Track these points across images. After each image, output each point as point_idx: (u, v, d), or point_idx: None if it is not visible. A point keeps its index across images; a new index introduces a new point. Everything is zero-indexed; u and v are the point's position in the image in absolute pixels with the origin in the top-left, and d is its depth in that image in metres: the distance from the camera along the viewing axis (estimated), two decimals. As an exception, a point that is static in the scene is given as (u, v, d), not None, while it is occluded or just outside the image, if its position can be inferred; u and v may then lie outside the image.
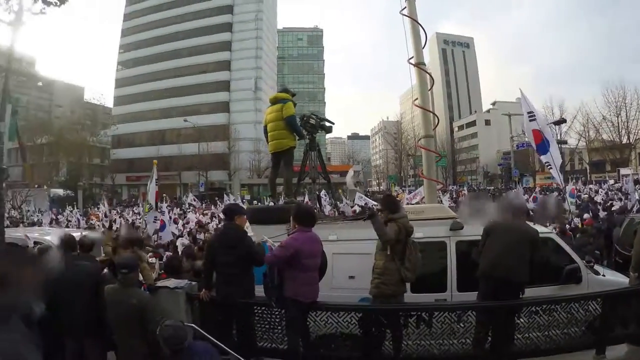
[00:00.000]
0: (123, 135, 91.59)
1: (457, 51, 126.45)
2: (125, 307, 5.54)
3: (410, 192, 29.88)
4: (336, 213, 14.72)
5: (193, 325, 6.30)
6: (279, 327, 6.59)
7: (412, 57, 9.80)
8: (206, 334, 5.96)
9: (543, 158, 12.96)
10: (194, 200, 40.08)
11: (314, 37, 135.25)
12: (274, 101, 10.01)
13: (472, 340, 6.25)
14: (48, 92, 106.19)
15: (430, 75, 10.15)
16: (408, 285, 6.52)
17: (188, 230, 18.21)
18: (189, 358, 4.78)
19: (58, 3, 17.79)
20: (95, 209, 41.22)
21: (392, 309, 6.39)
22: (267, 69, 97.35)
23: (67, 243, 7.01)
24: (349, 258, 7.23)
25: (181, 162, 74.38)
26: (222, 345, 5.80)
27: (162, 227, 12.99)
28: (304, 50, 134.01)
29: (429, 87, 10.06)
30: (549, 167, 12.45)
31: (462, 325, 6.18)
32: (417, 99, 9.91)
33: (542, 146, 12.94)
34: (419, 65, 9.69)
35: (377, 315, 6.38)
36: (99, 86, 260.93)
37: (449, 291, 6.97)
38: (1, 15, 17.96)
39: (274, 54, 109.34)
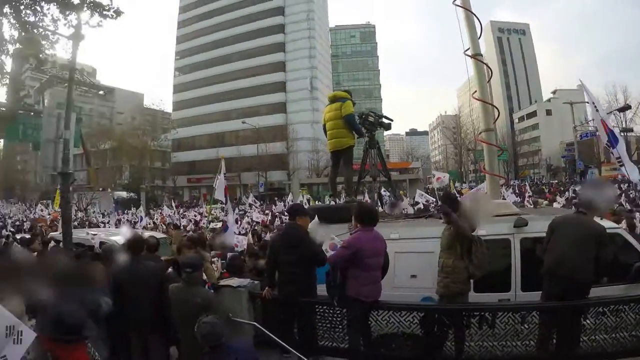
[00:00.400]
0: (183, 138, 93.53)
1: (513, 39, 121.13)
2: (189, 305, 5.61)
3: (472, 188, 29.28)
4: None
5: (255, 323, 6.42)
6: (340, 326, 6.54)
7: (468, 49, 9.57)
8: (268, 332, 6.05)
9: (615, 152, 12.31)
10: (254, 201, 40.45)
11: (367, 33, 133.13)
12: (333, 99, 9.98)
13: (535, 342, 5.98)
14: (109, 100, 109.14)
15: (488, 67, 9.86)
16: (471, 284, 6.33)
17: (252, 229, 18.31)
18: (226, 355, 4.83)
19: (114, 15, 18.30)
20: (159, 210, 42.03)
21: (455, 308, 6.20)
22: (322, 68, 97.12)
23: (133, 243, 7.12)
24: (411, 257, 7.07)
25: (240, 164, 74.90)
26: (283, 344, 5.85)
27: (225, 228, 13.05)
28: (357, 47, 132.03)
29: (488, 79, 9.81)
30: (620, 163, 11.78)
31: (526, 327, 5.90)
32: (475, 91, 9.65)
33: (612, 138, 12.29)
34: (476, 56, 9.45)
35: (439, 315, 6.21)
36: (158, 92, 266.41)
37: (513, 291, 6.68)
38: (62, 30, 18.59)
39: (327, 53, 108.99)
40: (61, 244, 11.40)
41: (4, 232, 20.00)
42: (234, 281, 7.08)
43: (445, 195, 8.41)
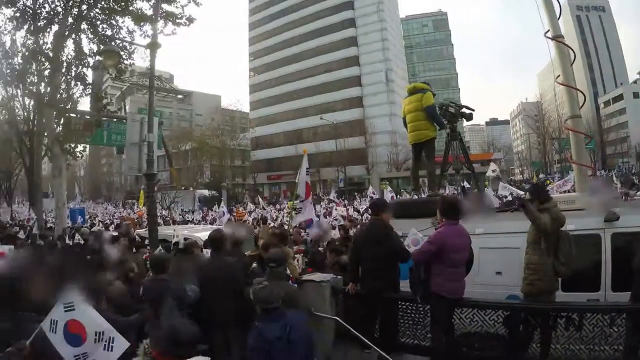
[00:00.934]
0: (261, 137, 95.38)
1: (592, 17, 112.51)
2: (272, 298, 5.53)
3: (557, 180, 28.10)
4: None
5: (336, 318, 6.36)
6: (423, 323, 6.42)
7: (548, 31, 9.17)
8: (349, 327, 5.99)
9: None
10: (335, 197, 40.38)
11: (439, 21, 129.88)
12: (413, 91, 9.81)
13: (624, 347, 5.54)
14: (188, 103, 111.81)
15: (571, 48, 9.40)
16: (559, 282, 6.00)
17: (340, 224, 18.23)
18: (277, 318, 4.80)
19: (187, 23, 18.76)
20: (242, 207, 42.57)
21: (541, 308, 5.88)
22: (396, 60, 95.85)
23: (216, 239, 7.20)
24: (496, 252, 6.80)
25: (319, 159, 74.18)
26: (365, 339, 5.82)
27: (309, 224, 13.04)
28: (431, 36, 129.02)
29: (571, 62, 9.36)
30: None
31: (615, 330, 5.46)
32: (559, 75, 9.24)
33: None
34: (557, 38, 9.02)
35: (525, 314, 5.92)
36: (235, 93, 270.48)
37: (603, 290, 6.18)
38: (138, 40, 19.17)
39: (400, 44, 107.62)
40: (146, 240, 11.76)
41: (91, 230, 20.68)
42: (317, 276, 7.05)
43: (534, 187, 8.05)
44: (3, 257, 7.15)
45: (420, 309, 6.40)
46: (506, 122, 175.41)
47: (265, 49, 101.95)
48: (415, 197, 11.27)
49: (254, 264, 7.49)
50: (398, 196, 31.64)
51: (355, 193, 51.92)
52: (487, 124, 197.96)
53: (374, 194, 29.05)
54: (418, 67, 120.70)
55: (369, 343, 5.81)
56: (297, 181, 13.50)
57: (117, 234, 15.16)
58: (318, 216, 17.43)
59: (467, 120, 11.23)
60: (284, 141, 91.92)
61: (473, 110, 10.79)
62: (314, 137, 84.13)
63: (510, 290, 6.30)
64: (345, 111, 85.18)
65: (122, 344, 3.64)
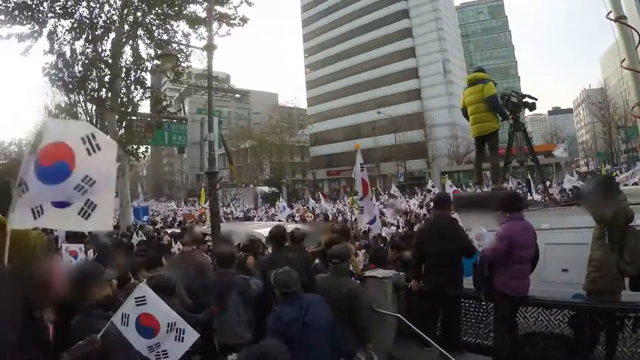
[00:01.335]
0: (320, 133, 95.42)
1: None
2: (336, 295, 5.53)
3: (625, 171, 27.04)
4: (547, 198, 13.93)
5: (398, 315, 6.30)
6: (485, 322, 6.27)
7: (610, 12, 8.80)
8: (410, 324, 5.93)
9: None
10: (396, 191, 40.05)
11: (495, 7, 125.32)
12: (473, 82, 9.60)
13: None
14: (245, 102, 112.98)
15: (635, 30, 8.99)
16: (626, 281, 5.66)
17: (406, 220, 18.03)
18: (294, 301, 4.90)
19: (241, 23, 18.94)
20: (302, 203, 42.78)
21: (608, 308, 5.56)
22: (453, 50, 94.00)
23: (277, 235, 7.23)
24: (563, 248, 6.47)
25: (379, 154, 74.42)
26: (426, 337, 5.75)
27: (373, 220, 12.88)
28: (487, 23, 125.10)
29: (636, 45, 8.96)
30: None
31: None
32: (623, 60, 8.87)
33: None
34: (620, 20, 8.66)
35: (591, 314, 5.64)
36: (292, 90, 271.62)
37: None
38: (193, 42, 19.49)
39: (456, 34, 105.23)
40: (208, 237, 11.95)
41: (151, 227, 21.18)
42: (379, 272, 7.00)
43: (601, 180, 7.75)
44: (74, 255, 7.32)
45: (483, 306, 6.25)
46: (569, 111, 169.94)
47: (319, 44, 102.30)
48: (479, 190, 11.07)
49: (317, 260, 7.47)
50: (464, 189, 30.98)
51: (416, 187, 51.45)
52: (550, 113, 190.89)
53: (433, 187, 28.67)
54: (475, 56, 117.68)
55: (430, 341, 5.74)
56: (353, 177, 13.43)
57: (180, 230, 15.57)
58: (382, 213, 17.29)
59: (530, 110, 10.97)
60: (343, 136, 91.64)
61: (536, 99, 10.51)
62: (373, 131, 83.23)
63: (576, 288, 5.95)
64: (403, 104, 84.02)
65: (192, 335, 3.75)
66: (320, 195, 40.97)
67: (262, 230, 11.84)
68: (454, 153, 77.22)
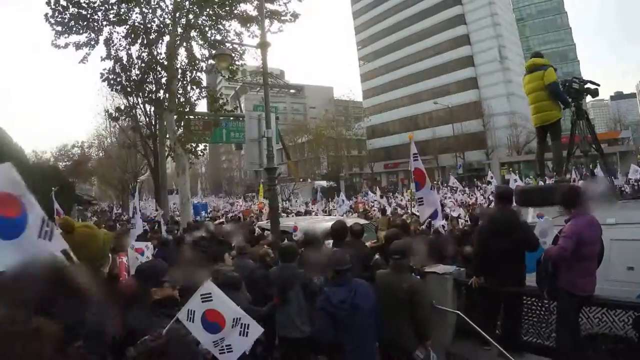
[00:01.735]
0: (376, 125, 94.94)
1: None
2: (396, 291, 5.55)
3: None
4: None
5: (458, 312, 6.26)
6: (547, 321, 6.07)
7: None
8: (470, 322, 5.88)
9: None
10: (455, 183, 39.46)
11: None
12: (532, 68, 9.27)
13: None
14: (300, 96, 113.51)
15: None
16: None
17: (469, 213, 17.73)
18: (344, 282, 5.18)
19: (292, 19, 19.03)
20: (361, 197, 42.71)
21: None
22: (508, 35, 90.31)
23: (337, 230, 7.24)
24: (629, 245, 6.11)
25: (436, 146, 74.04)
26: (485, 335, 5.69)
27: (435, 214, 12.57)
28: (542, 5, 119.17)
29: None
30: None
31: None
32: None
33: None
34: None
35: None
36: (346, 82, 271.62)
37: None
38: (246, 41, 19.70)
39: (511, 18, 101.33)
40: (266, 232, 12.07)
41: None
42: (440, 268, 6.94)
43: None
44: (140, 252, 7.47)
45: (546, 305, 6.05)
46: (633, 96, 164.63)
47: (371, 36, 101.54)
48: (542, 183, 10.80)
49: (377, 256, 7.40)
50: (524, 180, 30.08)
51: (475, 179, 50.72)
52: (612, 98, 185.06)
53: (492, 179, 28.19)
54: (532, 40, 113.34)
55: (490, 339, 5.65)
56: (410, 169, 13.28)
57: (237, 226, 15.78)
58: (443, 205, 16.99)
59: (593, 97, 10.52)
60: (400, 128, 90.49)
61: (598, 85, 10.08)
62: (430, 122, 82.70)
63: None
64: (460, 94, 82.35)
65: (256, 330, 3.89)
66: (377, 189, 40.78)
67: (321, 224, 11.91)
68: (514, 143, 74.79)
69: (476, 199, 25.97)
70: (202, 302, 3.72)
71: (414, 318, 5.43)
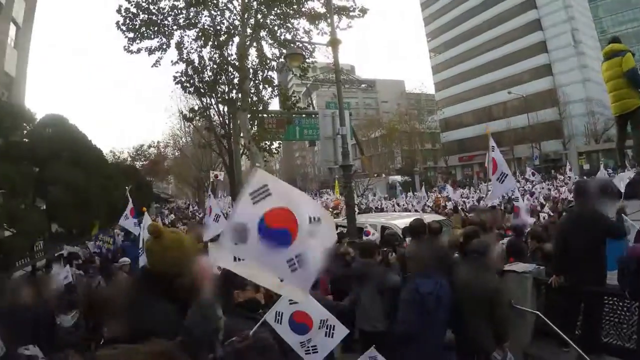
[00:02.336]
0: (450, 117, 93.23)
1: None
2: (475, 290, 5.49)
3: None
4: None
5: (537, 312, 6.10)
6: (629, 323, 5.87)
7: None
8: (549, 322, 5.72)
9: None
10: (533, 175, 38.05)
11: None
12: (610, 54, 8.91)
13: None
14: (372, 91, 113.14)
15: None
16: None
17: (554, 206, 16.97)
18: (432, 275, 5.25)
19: (360, 14, 19.01)
20: (438, 192, 42.08)
21: None
22: (581, 17, 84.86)
23: (416, 228, 7.23)
24: None
25: (512, 136, 71.81)
26: (564, 336, 5.54)
27: (517, 213, 12.16)
28: None
29: None
30: None
31: None
32: None
33: None
34: None
35: None
36: (417, 75, 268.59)
37: None
38: (315, 38, 19.79)
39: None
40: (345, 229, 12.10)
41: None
42: (519, 266, 6.80)
43: None
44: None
45: (627, 305, 5.86)
46: None
47: (441, 27, 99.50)
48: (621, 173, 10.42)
49: (456, 254, 7.20)
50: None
51: (552, 170, 49.28)
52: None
53: (570, 170, 27.29)
54: (606, 21, 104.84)
55: (569, 341, 5.51)
56: (486, 164, 13.06)
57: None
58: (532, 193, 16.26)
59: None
60: (473, 120, 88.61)
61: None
62: (504, 112, 79.94)
63: None
64: (534, 82, 79.29)
65: (342, 331, 3.97)
66: (450, 185, 40.11)
67: (397, 221, 11.88)
68: (592, 131, 71.28)
69: (557, 191, 24.98)
70: (290, 304, 3.79)
71: (493, 318, 5.35)
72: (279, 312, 3.78)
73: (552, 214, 15.44)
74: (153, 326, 2.80)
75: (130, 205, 14.04)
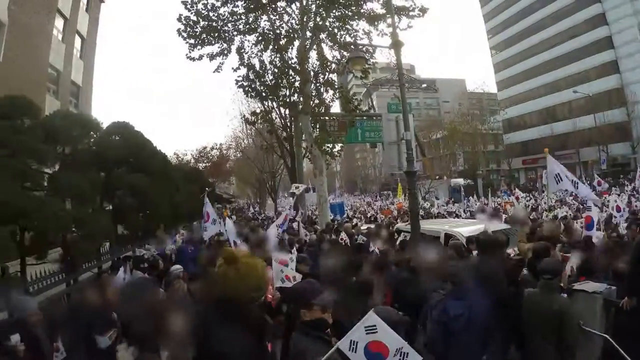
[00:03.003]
0: (513, 118, 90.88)
1: None
2: (545, 312, 5.36)
3: None
4: None
5: (605, 335, 5.68)
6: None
7: None
8: (617, 347, 5.34)
9: None
10: (599, 185, 35.73)
11: None
12: None
13: None
14: (432, 90, 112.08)
15: None
16: None
17: (633, 218, 15.59)
18: (462, 296, 5.23)
19: (420, 14, 18.81)
20: (507, 196, 40.96)
21: None
22: None
23: (485, 242, 7.04)
24: None
25: (577, 139, 69.09)
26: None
27: (590, 224, 11.40)
28: None
29: None
30: None
31: None
32: None
33: None
34: None
35: None
36: (479, 73, 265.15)
37: None
38: (376, 39, 19.75)
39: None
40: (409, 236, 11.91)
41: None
42: (589, 285, 6.29)
43: None
44: (284, 264, 7.46)
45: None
46: None
47: (502, 23, 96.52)
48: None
49: (525, 271, 6.97)
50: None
51: (621, 176, 47.51)
52: None
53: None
54: None
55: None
56: (545, 183, 12.58)
57: (375, 227, 15.73)
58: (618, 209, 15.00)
59: None
60: (537, 121, 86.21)
61: None
62: (570, 113, 76.80)
63: None
64: (600, 80, 74.93)
65: (415, 358, 3.85)
66: (511, 189, 38.98)
67: (461, 229, 11.58)
68: None
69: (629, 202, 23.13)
70: (366, 333, 3.75)
71: (561, 341, 5.22)
72: (354, 341, 3.72)
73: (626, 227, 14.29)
74: (228, 352, 3.02)
75: (206, 209, 14.45)
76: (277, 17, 19.83)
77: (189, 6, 18.85)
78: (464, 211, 31.56)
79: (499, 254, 7.06)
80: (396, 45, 11.89)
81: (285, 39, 19.53)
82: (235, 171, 60.10)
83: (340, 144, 21.00)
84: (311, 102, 18.89)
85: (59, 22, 29.73)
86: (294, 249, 10.50)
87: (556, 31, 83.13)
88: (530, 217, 17.71)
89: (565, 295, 6.08)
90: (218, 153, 57.32)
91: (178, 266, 8.52)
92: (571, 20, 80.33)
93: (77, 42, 33.30)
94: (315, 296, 3.93)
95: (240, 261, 3.28)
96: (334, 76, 20.43)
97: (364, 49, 18.60)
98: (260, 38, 19.47)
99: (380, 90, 79.07)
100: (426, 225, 12.78)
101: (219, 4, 19.05)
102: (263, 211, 48.98)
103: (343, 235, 12.86)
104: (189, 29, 18.93)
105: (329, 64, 19.19)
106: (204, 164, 54.53)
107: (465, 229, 11.46)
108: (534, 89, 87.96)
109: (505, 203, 31.07)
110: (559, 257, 7.38)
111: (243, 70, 19.90)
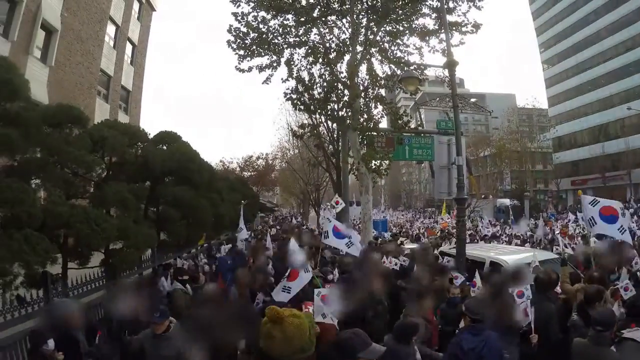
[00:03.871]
0: (563, 136, 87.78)
1: None
2: None
3: None
4: None
5: None
6: None
7: None
8: None
9: None
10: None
11: None
12: None
13: None
14: (482, 105, 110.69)
15: None
16: None
17: None
18: (478, 332, 5.33)
19: (473, 30, 18.52)
20: (554, 219, 39.75)
21: None
22: None
23: (544, 281, 6.79)
24: None
25: (629, 159, 66.43)
26: None
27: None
28: None
29: None
30: None
31: None
32: None
33: None
34: None
35: None
36: (529, 88, 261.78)
37: None
38: (427, 55, 19.57)
39: None
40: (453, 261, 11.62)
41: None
42: (639, 334, 5.30)
43: None
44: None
45: None
46: None
47: (555, 36, 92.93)
48: None
49: (574, 315, 6.40)
50: None
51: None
52: None
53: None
54: None
55: None
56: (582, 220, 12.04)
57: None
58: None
59: None
60: (588, 139, 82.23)
61: None
62: (622, 131, 73.18)
63: None
64: None
65: None
66: (557, 212, 37.80)
67: (507, 257, 11.21)
68: None
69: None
70: None
71: None
72: None
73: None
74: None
75: (241, 222, 14.63)
76: (328, 30, 19.91)
77: (239, 18, 19.01)
78: (505, 233, 30.69)
79: (552, 294, 6.76)
80: (450, 65, 11.68)
81: (335, 53, 19.52)
82: (280, 181, 60.48)
83: (387, 161, 20.69)
84: (360, 118, 18.72)
85: (110, 29, 31.45)
86: (335, 269, 10.30)
87: (611, 44, 78.84)
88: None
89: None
90: (264, 163, 58.27)
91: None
92: (626, 32, 75.96)
93: (129, 48, 34.54)
94: (363, 349, 3.57)
95: (286, 321, 3.10)
96: (382, 91, 20.26)
97: (413, 63, 18.41)
98: (310, 51, 19.41)
99: (429, 103, 78.54)
100: (471, 251, 12.37)
101: (269, 16, 19.16)
102: (305, 222, 49.00)
103: (385, 258, 12.38)
104: (239, 41, 19.06)
105: (379, 78, 19.02)
106: (249, 173, 55.17)
107: (512, 257, 11.14)
108: (586, 105, 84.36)
109: (564, 229, 28.71)
110: (610, 302, 6.82)
111: (291, 83, 19.95)
